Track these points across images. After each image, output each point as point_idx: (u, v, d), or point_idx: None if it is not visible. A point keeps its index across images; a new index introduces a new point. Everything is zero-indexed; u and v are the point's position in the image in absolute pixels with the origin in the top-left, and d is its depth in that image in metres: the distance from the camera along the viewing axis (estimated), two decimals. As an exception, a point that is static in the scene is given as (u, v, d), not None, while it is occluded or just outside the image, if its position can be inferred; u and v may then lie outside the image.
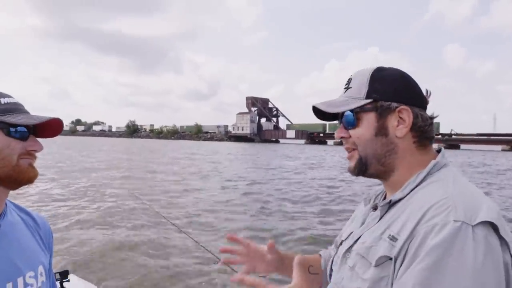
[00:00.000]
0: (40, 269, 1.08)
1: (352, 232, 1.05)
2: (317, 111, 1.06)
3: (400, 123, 0.95)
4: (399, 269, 0.81)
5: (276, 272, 1.27)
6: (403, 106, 0.94)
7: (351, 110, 0.98)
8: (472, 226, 0.76)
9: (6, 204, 1.06)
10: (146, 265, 6.12)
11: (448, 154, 0.99)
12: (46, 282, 1.12)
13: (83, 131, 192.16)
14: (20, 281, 0.99)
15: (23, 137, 0.98)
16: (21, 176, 0.99)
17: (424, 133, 0.96)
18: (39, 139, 1.05)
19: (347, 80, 1.05)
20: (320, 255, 1.33)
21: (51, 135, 1.08)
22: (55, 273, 2.78)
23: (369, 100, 0.97)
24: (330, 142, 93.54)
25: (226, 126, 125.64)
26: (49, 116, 1.02)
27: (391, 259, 0.84)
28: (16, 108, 1.00)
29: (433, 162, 0.94)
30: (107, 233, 7.87)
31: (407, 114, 0.94)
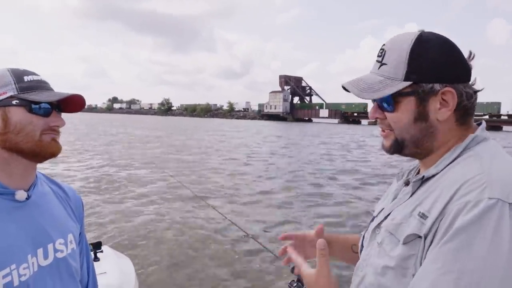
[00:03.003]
0: (70, 237, 1.14)
1: (383, 208, 1.01)
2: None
3: (442, 106, 0.87)
4: (428, 247, 0.78)
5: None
6: (447, 88, 0.85)
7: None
8: (510, 203, 0.71)
9: (36, 176, 1.12)
10: (175, 240, 6.29)
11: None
12: (76, 250, 1.17)
13: (119, 108, 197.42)
14: (50, 247, 1.05)
15: (45, 114, 1.03)
16: (44, 151, 1.04)
17: (467, 110, 0.89)
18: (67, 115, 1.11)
19: (380, 50, 0.93)
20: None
21: (74, 110, 1.13)
22: (89, 244, 2.92)
23: (408, 83, 0.87)
24: (364, 122, 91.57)
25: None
26: (69, 92, 1.07)
27: (420, 237, 0.80)
28: (39, 86, 1.04)
29: (471, 136, 0.87)
30: (140, 209, 8.12)
31: (451, 96, 0.85)
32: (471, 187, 0.75)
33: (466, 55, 0.90)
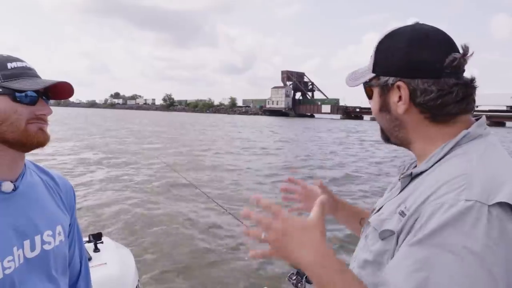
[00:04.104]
0: (59, 228, 1.11)
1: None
2: None
3: (400, 99, 0.87)
4: (401, 244, 0.77)
5: (330, 214, 1.29)
6: (398, 82, 0.86)
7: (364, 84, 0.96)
8: (489, 205, 0.68)
9: (25, 165, 1.09)
10: (175, 231, 6.33)
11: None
12: (65, 241, 1.14)
13: (121, 104, 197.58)
14: (37, 239, 1.02)
15: (31, 102, 0.98)
16: (30, 141, 0.99)
17: (434, 107, 0.84)
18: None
19: None
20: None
21: (62, 97, 1.10)
22: (89, 235, 2.95)
23: (372, 75, 0.92)
24: (366, 117, 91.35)
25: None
26: (55, 80, 1.02)
27: (394, 233, 0.81)
28: (23, 73, 0.99)
29: (463, 132, 0.84)
30: (139, 200, 8.17)
31: (403, 91, 0.86)
32: (450, 188, 0.73)
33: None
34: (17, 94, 0.96)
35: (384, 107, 0.92)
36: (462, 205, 0.69)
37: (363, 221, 1.25)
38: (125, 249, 3.39)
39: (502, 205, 0.69)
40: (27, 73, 1.00)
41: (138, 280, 2.84)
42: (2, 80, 0.95)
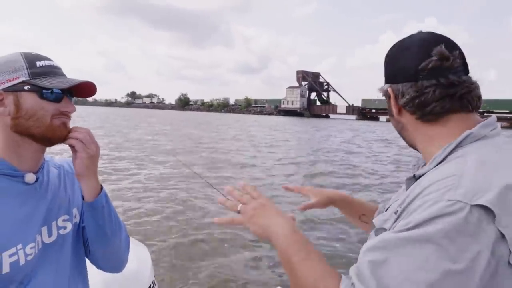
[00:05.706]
0: (74, 211, 1.18)
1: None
2: None
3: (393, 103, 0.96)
4: None
5: (332, 206, 1.37)
6: (388, 88, 0.96)
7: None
8: (472, 205, 0.67)
9: (44, 158, 1.15)
10: (190, 228, 6.37)
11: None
12: (80, 221, 1.20)
13: (136, 103, 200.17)
14: (53, 224, 1.10)
15: (56, 99, 1.04)
16: (54, 136, 1.05)
17: (415, 107, 0.89)
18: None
19: None
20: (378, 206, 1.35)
21: (85, 95, 1.15)
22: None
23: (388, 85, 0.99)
24: (382, 118, 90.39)
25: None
26: (80, 79, 1.07)
27: (386, 230, 0.83)
28: (51, 71, 1.05)
29: (466, 132, 0.83)
30: (152, 194, 8.25)
31: (391, 94, 0.95)
32: (436, 188, 0.74)
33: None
34: (44, 91, 1.01)
35: (390, 112, 0.99)
36: (443, 204, 0.69)
37: (363, 217, 1.31)
38: (142, 246, 3.41)
39: (484, 208, 0.67)
40: (54, 71, 1.06)
41: (154, 276, 2.86)
42: (31, 78, 1.01)
